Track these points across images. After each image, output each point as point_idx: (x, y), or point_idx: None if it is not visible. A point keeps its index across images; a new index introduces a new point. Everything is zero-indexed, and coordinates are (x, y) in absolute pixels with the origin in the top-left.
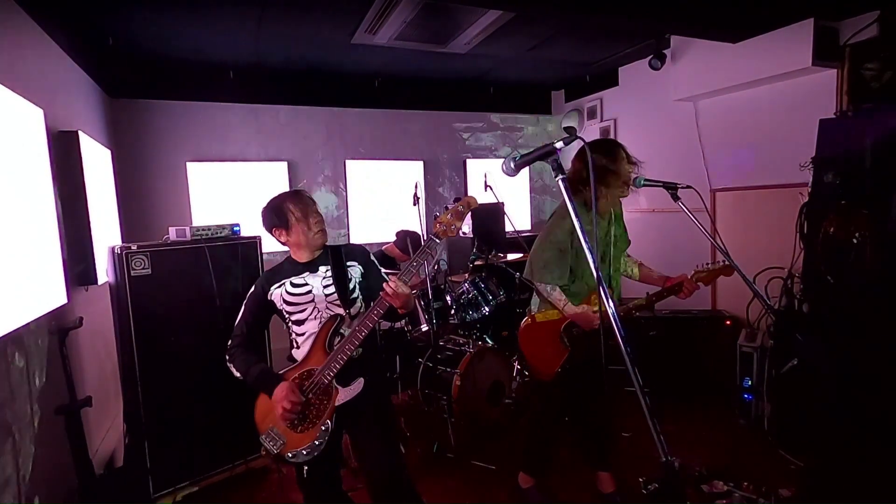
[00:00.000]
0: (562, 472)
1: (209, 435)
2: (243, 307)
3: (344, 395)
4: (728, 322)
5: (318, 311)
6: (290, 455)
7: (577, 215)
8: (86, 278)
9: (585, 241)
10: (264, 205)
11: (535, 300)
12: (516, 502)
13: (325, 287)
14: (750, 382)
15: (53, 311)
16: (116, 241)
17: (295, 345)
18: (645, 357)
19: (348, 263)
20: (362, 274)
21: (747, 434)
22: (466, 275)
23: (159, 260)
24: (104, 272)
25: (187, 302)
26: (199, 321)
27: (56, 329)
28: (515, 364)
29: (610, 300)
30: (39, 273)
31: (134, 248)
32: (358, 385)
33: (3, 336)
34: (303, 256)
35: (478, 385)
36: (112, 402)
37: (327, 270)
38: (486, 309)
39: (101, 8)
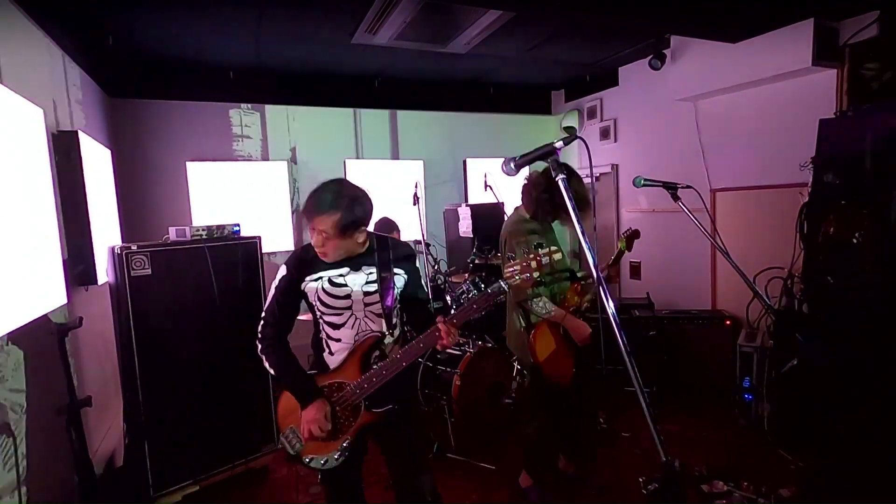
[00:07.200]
0: (560, 471)
1: (209, 435)
2: (274, 290)
3: (371, 417)
4: (728, 322)
5: (356, 320)
6: (307, 459)
7: (576, 215)
8: (86, 278)
9: (586, 241)
10: (371, 199)
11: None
12: (516, 502)
13: (366, 294)
14: (750, 382)
15: (53, 311)
16: (116, 241)
17: (327, 348)
18: (645, 357)
19: (395, 271)
20: (405, 283)
21: (747, 434)
22: (466, 275)
23: (159, 260)
24: (104, 272)
25: (187, 302)
26: (199, 321)
27: (56, 329)
28: (515, 364)
29: (609, 299)
30: (39, 273)
31: (134, 248)
32: (386, 410)
33: (3, 336)
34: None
35: (478, 385)
36: (112, 402)
37: (371, 273)
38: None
39: (100, 8)
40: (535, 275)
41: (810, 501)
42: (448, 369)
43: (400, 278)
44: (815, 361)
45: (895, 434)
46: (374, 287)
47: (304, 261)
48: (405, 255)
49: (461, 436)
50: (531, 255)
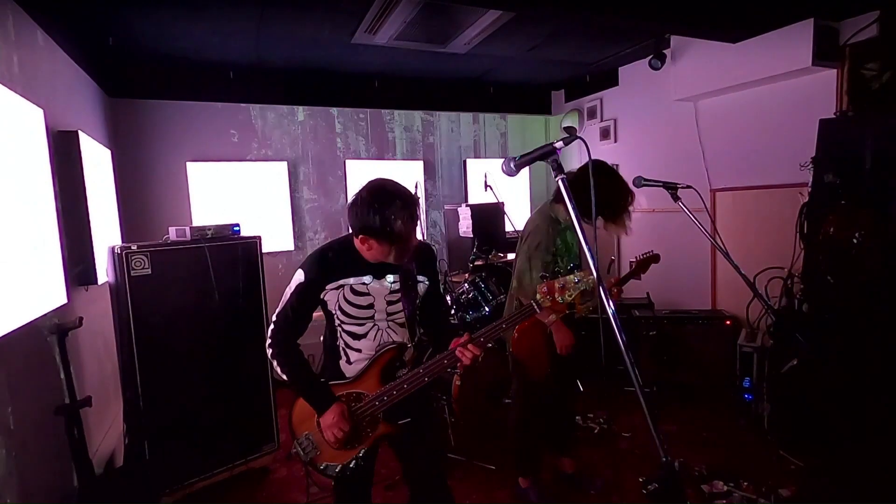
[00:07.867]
0: (560, 471)
1: (209, 435)
2: (289, 295)
3: (389, 429)
4: (728, 322)
5: (379, 330)
6: (322, 466)
7: (577, 215)
8: (86, 278)
9: (587, 244)
10: (365, 191)
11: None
12: (516, 502)
13: (388, 304)
14: (750, 382)
15: (53, 311)
16: (116, 241)
17: (345, 356)
18: (645, 357)
19: (419, 278)
20: (426, 290)
21: (747, 434)
22: (466, 275)
23: (159, 260)
24: (104, 272)
25: (187, 302)
26: (199, 321)
27: (56, 329)
28: None
29: (609, 300)
30: (39, 273)
31: (134, 248)
32: (404, 423)
33: (3, 336)
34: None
35: (478, 385)
36: (112, 402)
37: (395, 282)
38: (486, 309)
39: (100, 8)
40: (561, 300)
41: (810, 501)
42: (448, 369)
43: (422, 286)
44: (818, 358)
45: (895, 434)
46: (397, 296)
47: (324, 267)
48: (429, 259)
49: (461, 436)
50: (565, 279)
